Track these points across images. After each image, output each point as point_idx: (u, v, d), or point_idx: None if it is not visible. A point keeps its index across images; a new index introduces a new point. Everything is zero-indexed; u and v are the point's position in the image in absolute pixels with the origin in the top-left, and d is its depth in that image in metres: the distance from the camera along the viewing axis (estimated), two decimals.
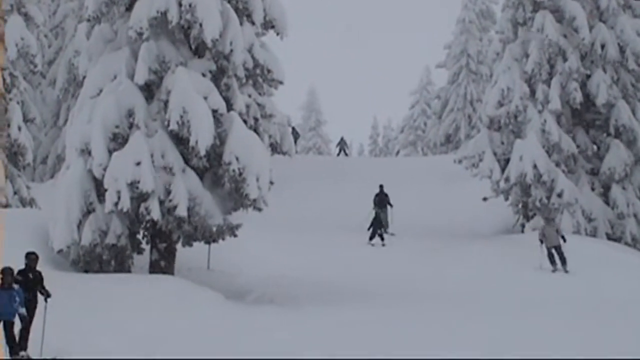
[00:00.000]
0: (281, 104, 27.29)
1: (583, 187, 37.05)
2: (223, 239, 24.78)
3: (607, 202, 37.19)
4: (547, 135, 36.46)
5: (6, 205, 32.49)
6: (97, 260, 23.76)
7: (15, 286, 16.36)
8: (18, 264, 16.89)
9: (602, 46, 37.47)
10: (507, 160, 37.74)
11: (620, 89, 37.99)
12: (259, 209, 24.70)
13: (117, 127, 23.60)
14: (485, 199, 39.58)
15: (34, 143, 37.92)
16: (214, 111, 23.64)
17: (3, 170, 32.72)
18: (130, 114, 23.83)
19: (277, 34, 25.98)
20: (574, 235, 32.64)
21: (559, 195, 35.76)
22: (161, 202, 23.32)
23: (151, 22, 23.88)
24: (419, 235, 36.43)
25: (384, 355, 17.45)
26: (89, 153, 23.52)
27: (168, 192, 23.39)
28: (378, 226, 34.59)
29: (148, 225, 24.30)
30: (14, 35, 33.34)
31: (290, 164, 33.43)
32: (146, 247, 25.20)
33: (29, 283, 16.81)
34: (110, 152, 23.34)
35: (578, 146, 37.76)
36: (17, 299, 16.21)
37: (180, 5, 23.95)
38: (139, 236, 24.97)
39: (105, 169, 23.10)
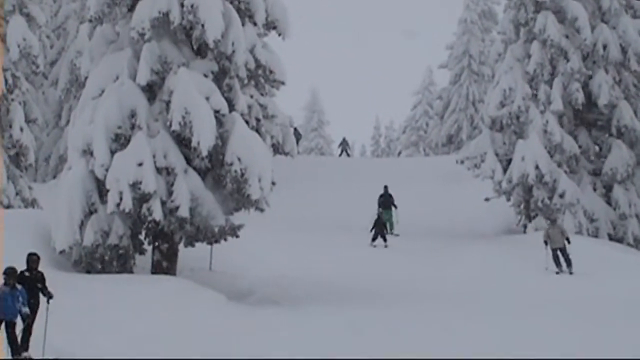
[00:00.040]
0: (283, 105, 27.30)
1: (585, 188, 37.04)
2: (225, 239, 24.78)
3: (609, 203, 37.19)
4: (549, 135, 36.46)
5: (8, 206, 32.55)
6: (99, 260, 23.76)
7: (19, 286, 16.36)
8: (20, 265, 16.88)
9: (604, 47, 37.47)
10: (509, 161, 37.76)
11: (622, 89, 38.01)
12: (261, 210, 24.71)
13: (119, 127, 23.61)
14: (487, 199, 39.62)
15: (36, 143, 37.91)
16: (216, 112, 23.64)
17: (4, 171, 32.77)
18: (132, 114, 23.84)
19: (279, 35, 25.99)
20: (576, 236, 32.59)
21: (561, 196, 35.77)
22: (163, 203, 23.32)
23: (153, 23, 23.88)
24: (421, 236, 36.44)
25: (385, 355, 17.46)
26: (91, 154, 23.54)
27: (170, 193, 23.39)
28: (380, 227, 34.51)
29: (150, 225, 24.28)
30: (16, 35, 33.34)
31: (292, 164, 33.38)
32: (148, 247, 25.20)
33: (30, 284, 16.80)
34: (112, 153, 23.35)
35: (580, 147, 37.76)
36: (21, 298, 16.22)
37: (182, 6, 23.97)
38: (141, 237, 24.97)
39: (107, 170, 23.11)
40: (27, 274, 16.96)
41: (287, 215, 36.42)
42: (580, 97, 37.17)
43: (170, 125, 23.43)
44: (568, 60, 37.37)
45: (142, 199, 23.15)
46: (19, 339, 16.34)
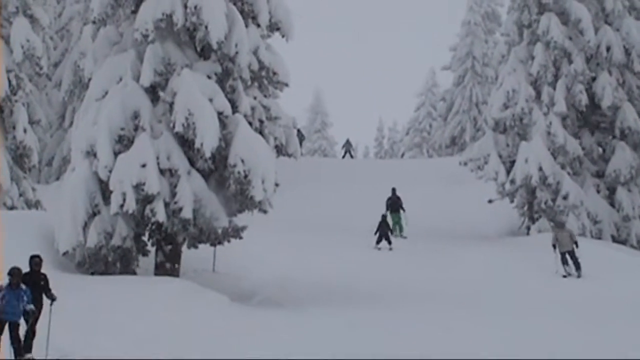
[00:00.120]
0: (286, 106, 27.28)
1: (588, 190, 37.05)
2: (228, 241, 24.78)
3: (612, 205, 37.19)
4: (552, 137, 36.46)
5: (12, 207, 32.57)
6: (102, 262, 23.79)
7: (23, 286, 16.37)
8: (23, 267, 16.88)
9: (608, 48, 37.48)
10: (513, 163, 37.76)
11: (625, 91, 38.01)
12: (264, 211, 24.70)
13: (122, 129, 23.62)
14: (490, 201, 39.62)
15: (39, 145, 37.93)
16: (220, 113, 23.64)
17: (8, 172, 32.80)
18: (136, 116, 23.85)
19: (283, 36, 26.00)
20: (579, 238, 32.50)
21: (565, 198, 35.76)
22: (166, 204, 23.33)
23: (157, 25, 23.90)
24: (424, 237, 36.42)
25: (386, 356, 17.47)
26: (95, 155, 23.54)
27: (173, 194, 23.40)
28: (385, 230, 34.39)
29: (153, 227, 24.32)
30: (20, 37, 33.40)
31: (296, 166, 33.38)
32: (151, 249, 25.21)
33: (33, 286, 16.79)
34: (115, 154, 23.35)
35: (583, 148, 37.76)
36: (25, 297, 16.24)
37: (185, 7, 23.99)
38: (145, 238, 24.98)
39: (110, 171, 23.11)
40: (30, 276, 16.95)
41: (290, 216, 36.43)
42: (583, 98, 37.17)
43: (174, 126, 23.44)
44: (571, 62, 37.39)
45: (145, 200, 23.16)
46: (22, 340, 16.36)
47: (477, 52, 73.92)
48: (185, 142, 23.79)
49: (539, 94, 37.89)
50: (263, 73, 25.42)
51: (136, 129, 23.83)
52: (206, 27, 23.75)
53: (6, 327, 16.17)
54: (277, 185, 24.68)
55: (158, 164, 23.37)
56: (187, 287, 22.82)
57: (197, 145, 23.07)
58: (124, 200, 22.80)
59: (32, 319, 16.59)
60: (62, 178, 35.01)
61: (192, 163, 23.99)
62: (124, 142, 23.63)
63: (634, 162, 36.97)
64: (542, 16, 37.97)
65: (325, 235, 34.99)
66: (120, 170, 23.00)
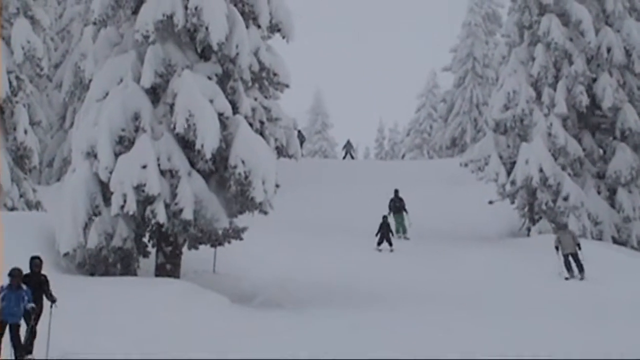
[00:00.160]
0: (287, 107, 27.28)
1: (589, 191, 37.05)
2: (229, 242, 24.78)
3: (613, 206, 37.20)
4: (553, 138, 36.48)
5: (12, 209, 32.58)
6: (103, 263, 23.79)
7: (24, 287, 16.38)
8: (24, 268, 16.88)
9: (608, 49, 37.51)
10: (513, 164, 37.77)
11: (626, 92, 38.03)
12: (265, 212, 24.69)
13: (123, 130, 23.62)
14: (491, 202, 39.62)
15: (40, 146, 37.96)
16: (220, 114, 23.65)
17: (8, 173, 32.81)
18: (136, 117, 23.85)
19: (283, 37, 25.99)
20: (580, 239, 32.52)
21: (565, 199, 35.77)
22: (167, 205, 23.33)
23: (157, 26, 23.90)
24: (424, 238, 36.41)
25: (387, 357, 17.47)
26: (95, 156, 23.54)
27: (174, 195, 23.40)
28: (386, 231, 34.33)
29: (154, 228, 24.32)
30: (21, 38, 33.43)
31: (296, 167, 33.39)
32: (152, 250, 25.20)
33: (33, 287, 16.79)
34: (116, 155, 23.35)
35: (584, 149, 37.77)
36: (26, 297, 16.25)
37: (186, 8, 23.99)
38: (145, 239, 24.98)
39: (111, 172, 23.11)
40: (30, 278, 16.95)
41: (290, 217, 36.42)
42: (584, 100, 37.19)
43: (174, 127, 23.44)
44: (572, 63, 37.40)
45: (146, 201, 23.16)
46: (22, 341, 16.36)
47: (478, 53, 73.94)
48: (186, 143, 23.79)
49: (539, 95, 37.91)
50: (264, 74, 25.43)
51: (137, 130, 23.82)
52: (207, 28, 23.75)
53: (7, 328, 16.19)
54: (277, 186, 24.67)
55: (159, 165, 23.37)
56: (188, 288, 22.82)
57: (197, 146, 23.08)
58: (125, 201, 22.80)
59: (33, 319, 16.62)
60: (63, 179, 35.01)
61: (192, 164, 23.99)
62: (124, 143, 23.63)
63: (635, 163, 36.98)
64: (542, 17, 37.99)
65: (325, 236, 34.99)
66: (121, 172, 23.00)
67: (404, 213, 37.22)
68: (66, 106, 49.17)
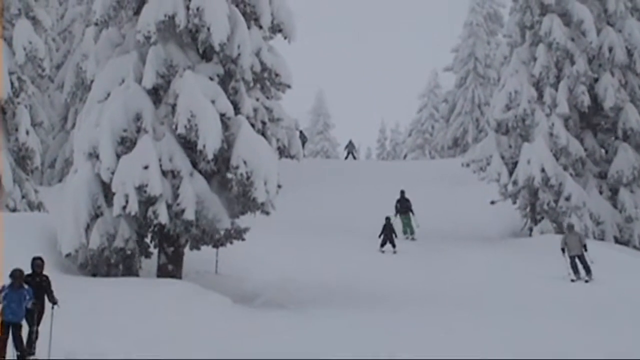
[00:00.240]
0: (289, 108, 27.30)
1: (591, 191, 37.05)
2: (231, 242, 24.80)
3: (615, 206, 37.19)
4: (554, 138, 36.47)
5: (14, 210, 32.59)
6: (104, 263, 23.81)
7: (26, 286, 16.40)
8: (26, 269, 16.91)
9: (610, 49, 37.49)
10: (515, 164, 37.76)
11: (628, 92, 38.02)
12: (267, 213, 24.69)
13: (124, 130, 23.62)
14: (493, 202, 39.60)
15: (41, 147, 37.94)
16: (222, 115, 23.65)
17: (10, 174, 32.82)
18: (138, 117, 23.86)
19: (285, 38, 25.98)
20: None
21: (567, 199, 35.77)
22: (169, 206, 23.33)
23: (159, 26, 23.91)
24: (426, 238, 36.40)
25: (388, 357, 17.47)
26: (97, 157, 23.55)
27: (176, 196, 23.40)
28: (389, 233, 34.24)
29: (156, 229, 24.32)
30: (22, 39, 33.41)
31: (298, 167, 33.40)
32: (154, 250, 25.21)
33: (35, 288, 16.80)
34: (118, 156, 23.36)
35: (586, 149, 37.77)
36: (27, 297, 16.28)
37: (187, 9, 23.99)
38: (147, 240, 24.98)
39: (113, 173, 23.11)
40: (32, 278, 16.96)
41: (292, 218, 36.42)
42: (586, 100, 37.19)
43: (176, 128, 23.45)
44: (574, 63, 37.40)
45: (148, 202, 23.17)
46: (24, 342, 16.38)
47: (479, 54, 73.95)
48: (188, 144, 23.79)
49: (541, 95, 37.90)
50: (265, 75, 25.42)
51: (138, 130, 23.83)
52: (208, 29, 23.75)
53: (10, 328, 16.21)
54: (279, 186, 24.65)
55: (160, 165, 23.38)
56: (190, 289, 22.82)
57: (199, 146, 23.08)
58: (127, 202, 22.80)
59: (36, 319, 16.64)
60: (65, 180, 35.12)
61: (194, 165, 23.99)
62: (126, 144, 23.64)
63: (637, 163, 36.98)
64: (544, 17, 37.98)
65: (327, 237, 34.98)
66: (123, 172, 23.00)
67: (411, 214, 37.18)
68: (68, 107, 49.18)
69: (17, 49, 33.29)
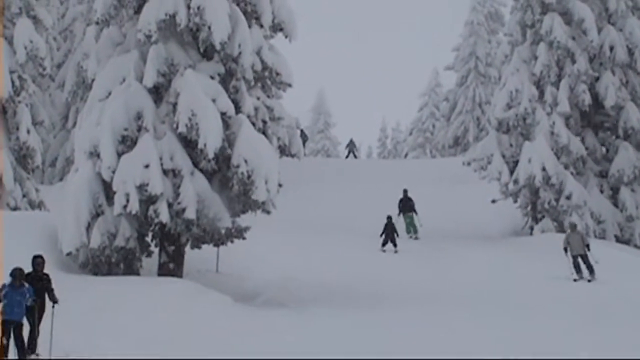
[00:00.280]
0: (290, 107, 27.29)
1: (592, 190, 37.04)
2: (232, 241, 24.80)
3: (616, 205, 37.19)
4: (555, 137, 36.47)
5: (15, 208, 32.60)
6: (105, 262, 23.79)
7: (26, 284, 16.41)
8: (27, 268, 16.91)
9: (611, 48, 37.50)
10: (516, 163, 37.75)
11: (629, 91, 38.02)
12: (268, 212, 24.69)
13: (125, 129, 23.62)
14: (493, 201, 39.59)
15: (42, 146, 37.95)
16: (223, 114, 23.65)
17: (11, 173, 32.82)
18: (139, 116, 23.86)
19: (286, 37, 25.97)
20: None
21: (568, 198, 35.76)
22: (170, 205, 23.33)
23: (160, 25, 23.91)
24: (427, 237, 36.40)
25: (389, 356, 17.47)
26: (98, 156, 23.55)
27: (177, 195, 23.40)
28: (391, 232, 34.20)
29: (157, 227, 24.32)
30: (23, 38, 33.41)
31: (299, 166, 33.42)
32: (155, 249, 25.21)
33: (36, 286, 16.80)
34: (119, 155, 23.36)
35: (587, 148, 37.76)
36: (28, 295, 16.29)
37: (188, 8, 23.99)
38: (148, 239, 24.97)
39: (114, 172, 23.12)
40: (32, 277, 16.95)
41: (293, 217, 36.42)
42: (587, 98, 37.18)
43: (177, 127, 23.44)
44: (575, 62, 37.39)
45: (148, 200, 23.17)
46: (25, 340, 16.38)
47: (480, 52, 73.92)
48: (189, 143, 23.79)
49: (542, 94, 37.90)
50: (266, 73, 25.42)
51: (139, 129, 23.83)
52: (209, 28, 23.75)
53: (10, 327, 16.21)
54: (280, 185, 24.65)
55: (161, 164, 23.38)
56: (190, 288, 22.83)
57: (200, 145, 23.07)
58: (128, 200, 22.80)
59: (37, 318, 16.64)
60: (66, 179, 35.11)
61: (195, 164, 23.98)
62: (127, 143, 23.64)
63: (638, 162, 36.97)
64: (545, 16, 37.97)
65: (328, 236, 34.97)
66: (124, 171, 23.01)
67: (414, 213, 37.17)
68: (69, 106, 49.19)
69: (18, 48, 33.29)
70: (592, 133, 38.68)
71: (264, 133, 24.81)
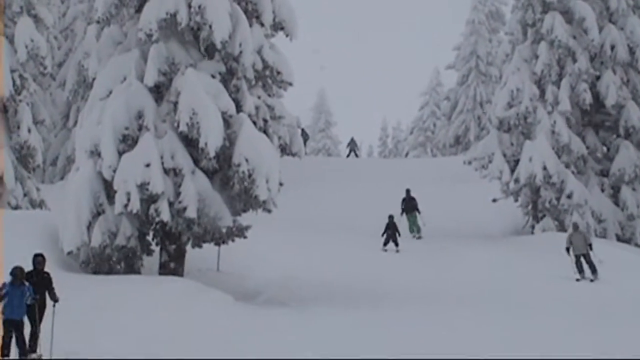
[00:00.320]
0: (290, 106, 27.30)
1: (593, 189, 37.02)
2: (233, 240, 24.80)
3: (616, 204, 37.18)
4: (556, 136, 36.45)
5: (16, 207, 32.60)
6: (106, 261, 23.78)
7: (26, 283, 16.40)
8: (27, 266, 16.90)
9: (612, 47, 37.48)
10: (517, 162, 37.74)
11: (630, 90, 38.00)
12: (269, 211, 24.70)
13: (126, 128, 23.62)
14: (494, 200, 39.58)
15: (43, 145, 37.94)
16: (224, 113, 23.64)
17: (12, 172, 32.82)
18: (140, 115, 23.85)
19: (287, 36, 25.98)
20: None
21: (569, 197, 35.74)
22: (171, 204, 23.32)
23: (160, 24, 23.90)
24: (428, 237, 36.42)
25: (390, 356, 17.47)
26: (99, 155, 23.55)
27: (178, 194, 23.39)
28: (392, 232, 34.18)
29: (158, 226, 24.30)
30: (24, 37, 33.39)
31: (300, 165, 33.40)
32: (156, 248, 25.20)
33: (37, 285, 16.79)
34: (119, 154, 23.35)
35: (588, 147, 37.75)
36: (28, 293, 16.28)
37: (189, 6, 23.98)
38: (149, 238, 24.97)
39: (114, 171, 23.12)
40: (33, 275, 16.95)
41: (294, 216, 36.42)
42: (587, 97, 37.16)
43: (178, 126, 23.44)
44: (575, 61, 37.37)
45: (149, 199, 23.16)
46: (27, 339, 16.38)
47: (481, 51, 73.89)
48: (190, 142, 23.78)
49: (543, 93, 37.89)
50: (267, 72, 25.41)
51: (140, 128, 23.83)
52: (210, 27, 23.74)
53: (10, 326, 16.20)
54: (281, 184, 24.66)
55: (162, 163, 23.37)
56: (191, 287, 22.83)
57: (201, 144, 23.07)
58: (128, 199, 22.80)
59: (37, 317, 16.63)
60: (67, 178, 35.11)
61: (196, 162, 23.98)
62: (128, 142, 23.63)
63: (638, 160, 36.96)
64: (546, 15, 37.96)
65: (329, 235, 34.99)
66: (125, 170, 23.00)
67: (417, 213, 37.16)
68: (70, 105, 49.20)
69: (19, 47, 33.27)
70: (593, 132, 38.67)
71: (265, 132, 24.81)
